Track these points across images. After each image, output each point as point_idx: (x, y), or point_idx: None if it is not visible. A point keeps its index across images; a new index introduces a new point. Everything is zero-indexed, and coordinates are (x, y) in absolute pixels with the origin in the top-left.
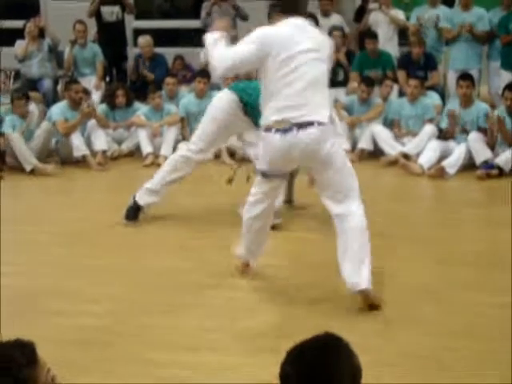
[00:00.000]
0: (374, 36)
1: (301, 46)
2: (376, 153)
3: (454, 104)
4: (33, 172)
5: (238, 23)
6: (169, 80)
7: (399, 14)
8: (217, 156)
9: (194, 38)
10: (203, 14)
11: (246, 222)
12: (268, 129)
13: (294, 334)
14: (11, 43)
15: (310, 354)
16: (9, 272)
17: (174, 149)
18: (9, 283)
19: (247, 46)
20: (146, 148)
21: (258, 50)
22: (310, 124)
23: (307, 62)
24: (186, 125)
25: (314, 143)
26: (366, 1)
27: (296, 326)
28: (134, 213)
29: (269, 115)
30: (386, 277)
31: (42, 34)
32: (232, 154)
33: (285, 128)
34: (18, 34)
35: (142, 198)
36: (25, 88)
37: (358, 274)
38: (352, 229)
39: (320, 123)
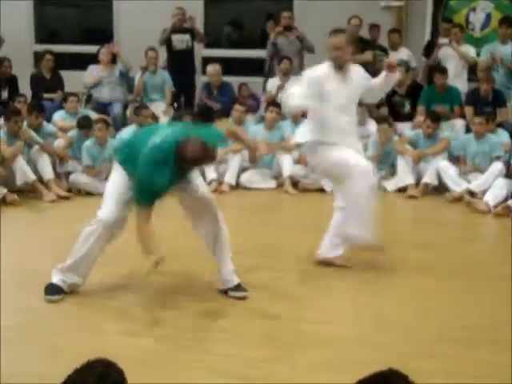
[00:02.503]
0: (443, 71)
1: None
2: (440, 188)
3: None
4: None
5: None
6: (238, 107)
7: (469, 50)
8: (280, 185)
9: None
10: (269, 44)
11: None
12: None
13: (348, 368)
14: (84, 67)
15: None
16: (77, 290)
17: (238, 176)
18: (81, 300)
19: None
20: (210, 174)
21: None
22: None
23: None
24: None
25: None
26: (436, 35)
27: (353, 360)
28: None
29: None
30: (449, 318)
31: (114, 59)
32: (295, 183)
33: None
34: (91, 58)
35: None
36: (88, 118)
37: None
38: None
39: None
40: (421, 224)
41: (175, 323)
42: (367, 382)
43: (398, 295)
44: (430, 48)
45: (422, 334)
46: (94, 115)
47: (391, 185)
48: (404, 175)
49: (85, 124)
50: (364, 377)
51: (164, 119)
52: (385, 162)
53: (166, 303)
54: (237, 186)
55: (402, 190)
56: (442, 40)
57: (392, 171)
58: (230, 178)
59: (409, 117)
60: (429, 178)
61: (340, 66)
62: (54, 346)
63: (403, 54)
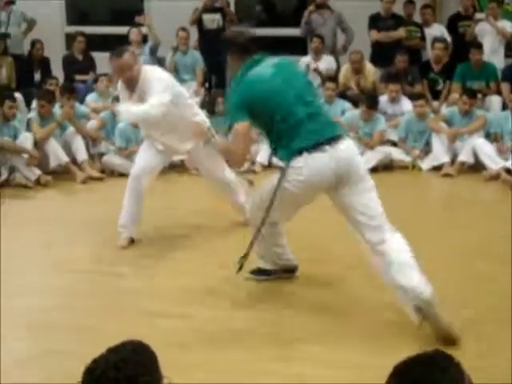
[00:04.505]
0: (479, 46)
1: None
2: (477, 166)
3: None
4: None
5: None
6: None
7: (506, 25)
8: None
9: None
10: (302, 22)
11: None
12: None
13: (389, 348)
14: (115, 49)
15: (415, 370)
16: (109, 271)
17: (270, 156)
18: (112, 283)
19: None
20: None
21: None
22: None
23: None
24: None
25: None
26: (467, 9)
27: (392, 339)
28: None
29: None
30: (484, 298)
31: (144, 40)
32: None
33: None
34: (122, 40)
35: None
36: None
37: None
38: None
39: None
40: (456, 203)
41: (206, 303)
42: (413, 361)
43: (433, 274)
44: (454, 22)
45: (455, 315)
46: None
47: (426, 163)
48: (439, 153)
49: None
50: (409, 357)
51: (195, 99)
52: (420, 140)
53: (196, 284)
54: (269, 166)
55: (437, 168)
56: (478, 15)
57: (427, 149)
58: (262, 158)
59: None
60: (465, 156)
61: (133, 86)
62: (85, 326)
63: (436, 30)
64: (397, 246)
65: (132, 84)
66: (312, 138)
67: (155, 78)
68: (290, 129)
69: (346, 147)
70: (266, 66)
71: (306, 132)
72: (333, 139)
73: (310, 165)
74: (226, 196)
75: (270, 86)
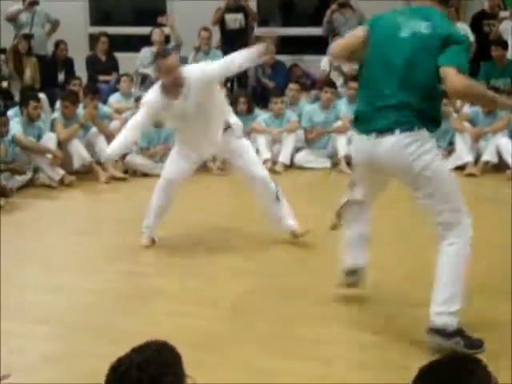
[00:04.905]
0: (501, 44)
1: None
2: (500, 166)
3: None
4: None
5: None
6: (292, 86)
7: None
8: (334, 165)
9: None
10: (324, 21)
11: None
12: None
13: (405, 348)
14: (138, 49)
15: (442, 373)
16: (135, 271)
17: (292, 156)
18: (136, 282)
19: None
20: (264, 154)
21: None
22: None
23: None
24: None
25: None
26: (493, 7)
27: (406, 340)
28: None
29: None
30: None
31: (166, 40)
32: (349, 162)
33: None
34: (145, 40)
35: None
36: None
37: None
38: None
39: None
40: (480, 203)
41: (231, 304)
42: (440, 363)
43: None
44: (478, 20)
45: (480, 315)
46: None
47: (450, 163)
48: (463, 153)
49: None
50: (437, 359)
51: None
52: (443, 140)
53: (221, 285)
54: (291, 166)
55: (460, 168)
56: (503, 13)
57: (450, 149)
58: (284, 158)
59: None
60: (488, 156)
61: (177, 88)
62: (111, 326)
63: (460, 28)
64: (445, 260)
65: (177, 85)
66: (368, 126)
67: (197, 66)
68: (360, 106)
69: (396, 142)
70: (408, 27)
71: (368, 118)
72: (388, 131)
73: (355, 143)
74: (259, 197)
75: (377, 52)
